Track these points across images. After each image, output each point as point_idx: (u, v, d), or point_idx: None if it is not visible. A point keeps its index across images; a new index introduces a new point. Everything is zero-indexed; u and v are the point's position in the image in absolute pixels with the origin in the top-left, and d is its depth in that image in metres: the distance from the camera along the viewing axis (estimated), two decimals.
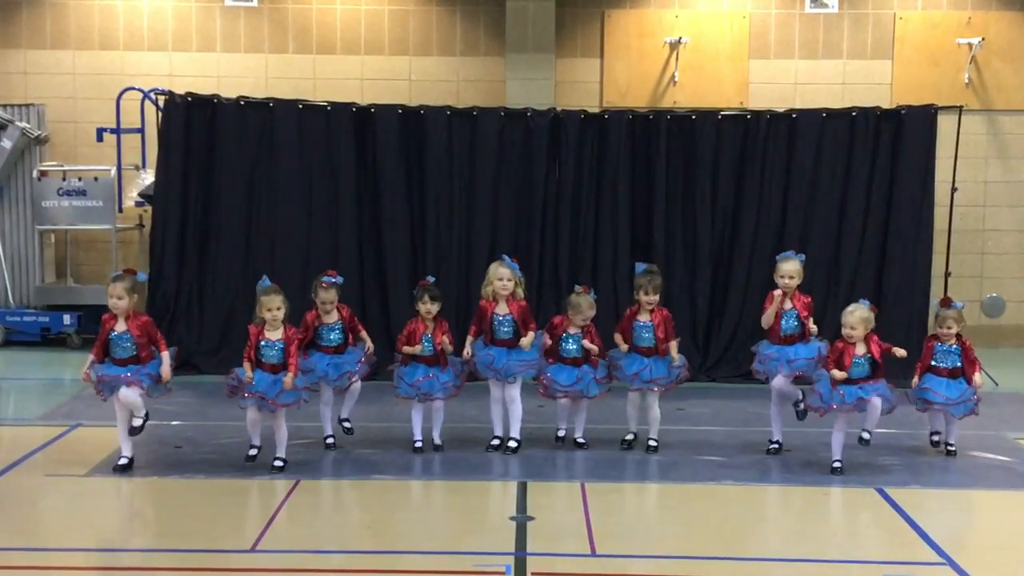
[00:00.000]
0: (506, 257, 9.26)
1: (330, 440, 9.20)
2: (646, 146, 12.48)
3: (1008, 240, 14.72)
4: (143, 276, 8.72)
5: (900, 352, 8.78)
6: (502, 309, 9.11)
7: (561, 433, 9.32)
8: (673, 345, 9.11)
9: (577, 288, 9.34)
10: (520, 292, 9.17)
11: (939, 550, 7.06)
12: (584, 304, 9.09)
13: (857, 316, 8.69)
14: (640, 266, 9.36)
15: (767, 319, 9.21)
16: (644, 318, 9.11)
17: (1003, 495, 8.46)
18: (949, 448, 9.22)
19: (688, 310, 12.49)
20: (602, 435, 9.42)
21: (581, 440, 9.31)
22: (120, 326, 8.40)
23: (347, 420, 9.30)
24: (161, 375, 8.42)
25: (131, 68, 14.50)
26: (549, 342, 9.16)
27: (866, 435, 8.72)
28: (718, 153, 12.47)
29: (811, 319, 9.16)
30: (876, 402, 8.59)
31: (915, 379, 9.08)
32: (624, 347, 9.12)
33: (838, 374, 8.59)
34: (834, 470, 8.73)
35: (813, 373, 8.97)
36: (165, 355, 8.45)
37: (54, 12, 14.61)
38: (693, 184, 12.46)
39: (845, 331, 8.70)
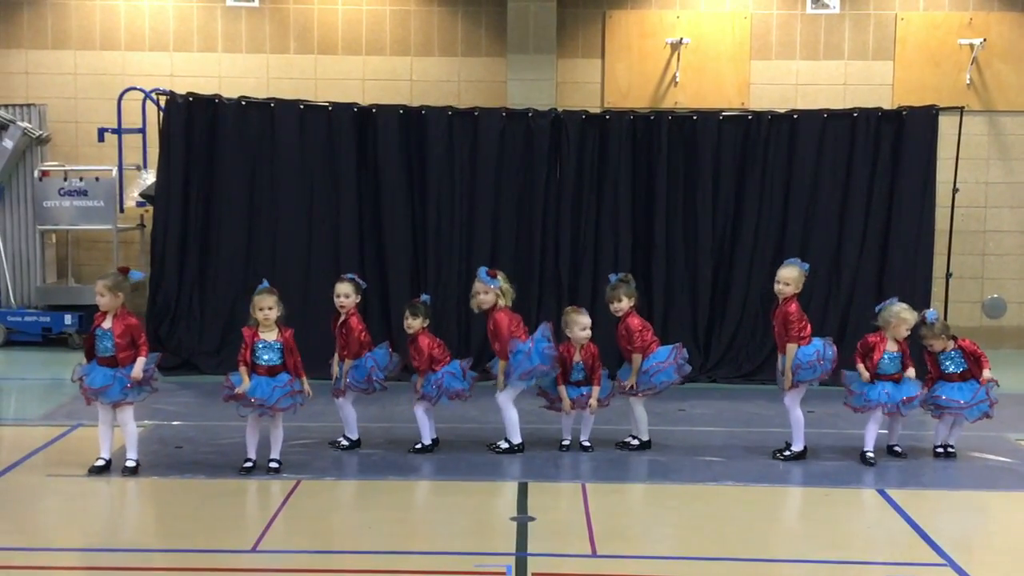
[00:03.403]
0: (482, 270, 9.30)
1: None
2: (647, 147, 12.49)
3: (1009, 241, 14.72)
4: (137, 275, 8.64)
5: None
6: (490, 324, 9.22)
7: (566, 442, 9.33)
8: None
9: (567, 309, 9.51)
10: (502, 302, 9.16)
11: (940, 551, 7.06)
12: (573, 316, 9.21)
13: (909, 316, 8.93)
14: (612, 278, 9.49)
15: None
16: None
17: (1004, 496, 8.45)
18: (949, 449, 9.22)
19: (689, 311, 12.52)
20: (603, 436, 9.42)
21: (587, 444, 9.32)
22: (106, 323, 8.39)
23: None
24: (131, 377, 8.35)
25: (132, 68, 14.52)
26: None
27: (898, 448, 9.16)
28: (719, 154, 12.49)
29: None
30: (905, 418, 9.05)
31: (924, 390, 9.14)
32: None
33: (864, 373, 8.87)
34: (868, 461, 8.94)
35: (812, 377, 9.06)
36: (140, 360, 8.36)
37: (55, 12, 14.62)
38: (694, 185, 12.47)
39: (900, 330, 8.92)
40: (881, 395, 8.90)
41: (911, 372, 8.99)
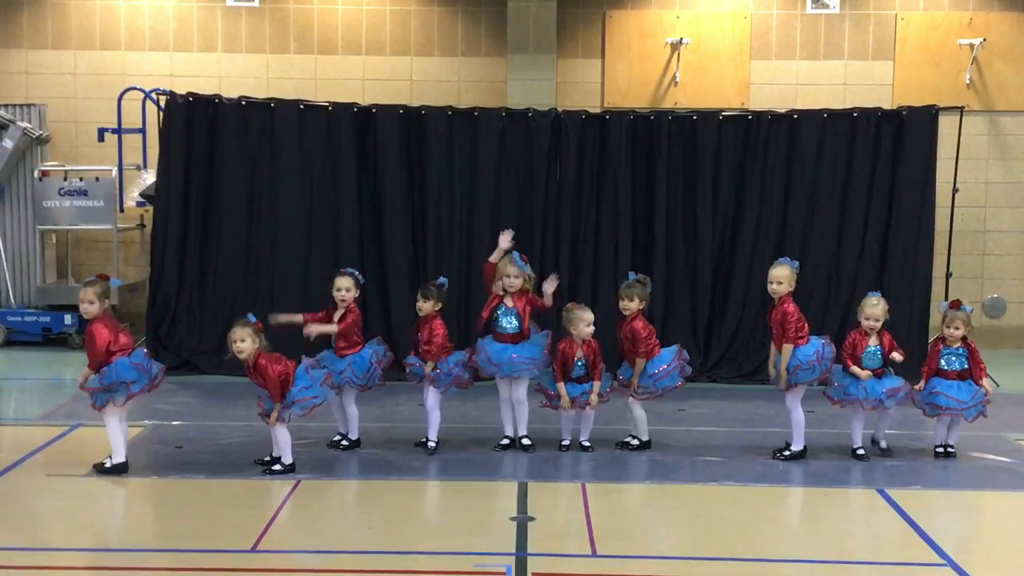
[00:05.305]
0: (515, 254, 9.30)
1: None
2: (647, 147, 12.47)
3: (1009, 241, 14.72)
4: (116, 281, 8.58)
5: (897, 356, 9.03)
6: (508, 302, 9.21)
7: (566, 442, 9.33)
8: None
9: (568, 305, 9.48)
10: (527, 286, 9.24)
11: (940, 551, 7.06)
12: (577, 312, 9.21)
13: (881, 308, 9.03)
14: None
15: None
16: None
17: (1004, 496, 8.46)
18: (949, 449, 9.22)
19: (689, 311, 12.51)
20: (603, 436, 9.42)
21: (586, 444, 9.32)
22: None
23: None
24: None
25: (132, 68, 14.53)
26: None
27: (884, 444, 9.26)
28: (719, 154, 12.47)
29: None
30: (890, 412, 9.08)
31: (921, 383, 9.15)
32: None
33: (862, 373, 8.94)
34: (859, 456, 9.07)
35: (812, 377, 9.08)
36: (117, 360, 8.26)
37: (55, 12, 14.62)
38: (694, 185, 12.46)
39: (868, 323, 9.01)
40: (860, 389, 8.95)
41: (897, 356, 9.00)
